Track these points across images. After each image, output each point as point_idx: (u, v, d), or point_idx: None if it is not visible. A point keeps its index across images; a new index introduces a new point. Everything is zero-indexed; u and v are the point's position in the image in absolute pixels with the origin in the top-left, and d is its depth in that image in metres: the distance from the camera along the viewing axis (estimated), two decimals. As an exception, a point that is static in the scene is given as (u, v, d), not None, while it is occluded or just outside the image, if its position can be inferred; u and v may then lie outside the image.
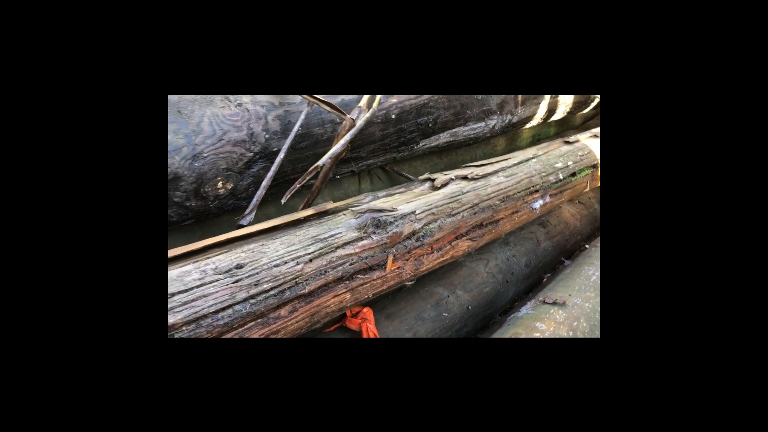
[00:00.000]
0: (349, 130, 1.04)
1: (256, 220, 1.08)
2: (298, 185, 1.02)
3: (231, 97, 1.13)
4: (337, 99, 1.22)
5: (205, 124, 1.08)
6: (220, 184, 1.12)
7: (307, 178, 1.04)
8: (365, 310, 1.30)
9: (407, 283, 1.30)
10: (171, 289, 0.78)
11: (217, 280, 0.82)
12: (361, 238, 1.05)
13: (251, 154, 1.15)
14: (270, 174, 1.10)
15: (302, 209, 1.11)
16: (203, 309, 0.78)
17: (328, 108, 1.10)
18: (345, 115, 1.08)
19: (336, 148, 1.05)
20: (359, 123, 1.04)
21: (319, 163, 1.02)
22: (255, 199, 1.09)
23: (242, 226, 1.07)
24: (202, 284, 0.81)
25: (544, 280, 1.92)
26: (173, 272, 0.81)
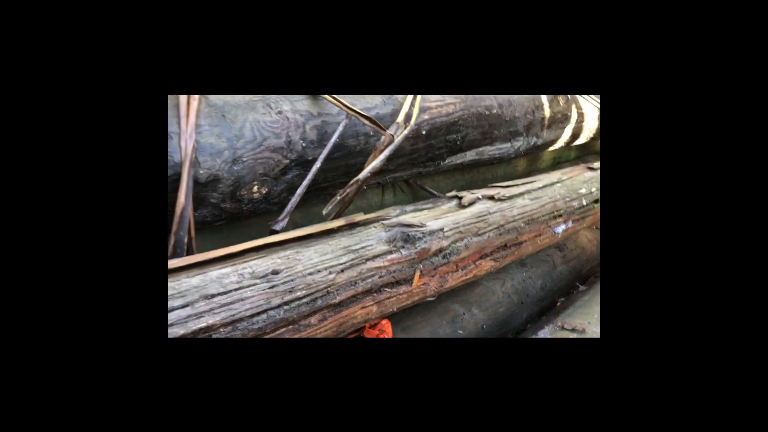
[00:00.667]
0: (387, 146, 1.06)
1: (266, 227, 1.10)
2: (339, 197, 1.05)
3: (272, 104, 1.16)
4: (370, 111, 1.25)
5: (247, 130, 1.11)
6: (255, 189, 1.15)
7: (348, 191, 1.06)
8: (383, 322, 1.32)
9: (428, 299, 1.31)
10: (211, 291, 0.80)
11: (254, 285, 0.84)
12: (391, 252, 1.06)
13: (287, 161, 1.18)
14: (305, 182, 1.12)
15: (333, 219, 1.13)
16: (240, 312, 0.80)
17: (366, 122, 1.12)
18: (384, 130, 1.11)
19: (376, 163, 1.07)
20: (398, 139, 1.06)
21: (360, 177, 1.04)
22: (289, 206, 1.12)
23: (275, 231, 1.09)
24: (240, 287, 0.83)
25: (558, 304, 1.92)
26: (212, 273, 0.83)
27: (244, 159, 1.10)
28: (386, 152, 1.06)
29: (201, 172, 1.07)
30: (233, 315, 0.79)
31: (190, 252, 1.00)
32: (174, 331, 0.74)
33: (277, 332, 0.84)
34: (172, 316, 0.75)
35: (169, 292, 0.79)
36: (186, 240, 1.00)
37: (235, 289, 0.82)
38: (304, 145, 1.20)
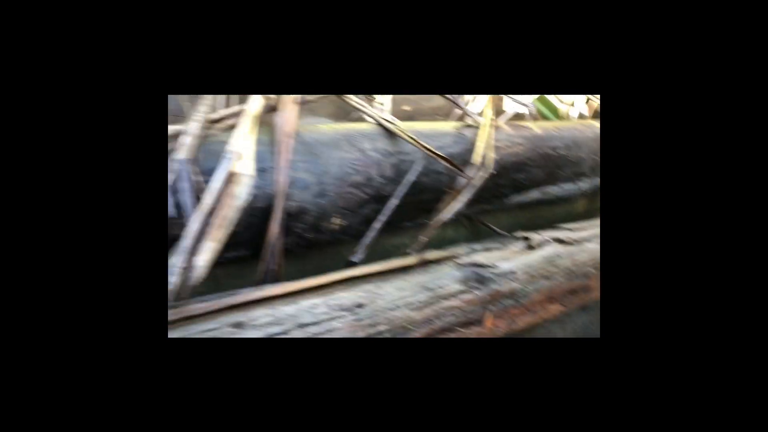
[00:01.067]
0: (467, 188, 1.09)
1: (339, 255, 1.15)
2: (423, 239, 1.09)
3: (355, 142, 1.24)
4: (441, 149, 1.29)
5: (333, 166, 1.18)
6: (335, 221, 1.22)
7: (430, 232, 1.10)
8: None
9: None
10: (304, 320, 0.85)
11: (341, 317, 0.89)
12: (464, 292, 1.08)
13: (365, 196, 1.24)
14: (383, 218, 1.18)
15: (406, 255, 1.17)
16: (329, 343, 0.84)
17: (445, 163, 1.17)
18: (462, 172, 1.15)
19: (457, 205, 1.11)
20: (476, 182, 1.10)
21: (443, 217, 1.08)
22: (367, 239, 1.17)
23: (353, 263, 1.14)
24: (330, 318, 0.87)
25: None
26: (304, 303, 0.89)
27: (329, 193, 1.17)
28: (466, 195, 1.10)
29: (291, 204, 1.15)
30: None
31: (277, 279, 1.07)
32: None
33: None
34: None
35: (268, 319, 0.85)
36: (274, 267, 1.07)
37: (326, 320, 0.87)
38: (380, 181, 1.26)
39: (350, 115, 1.64)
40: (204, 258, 0.81)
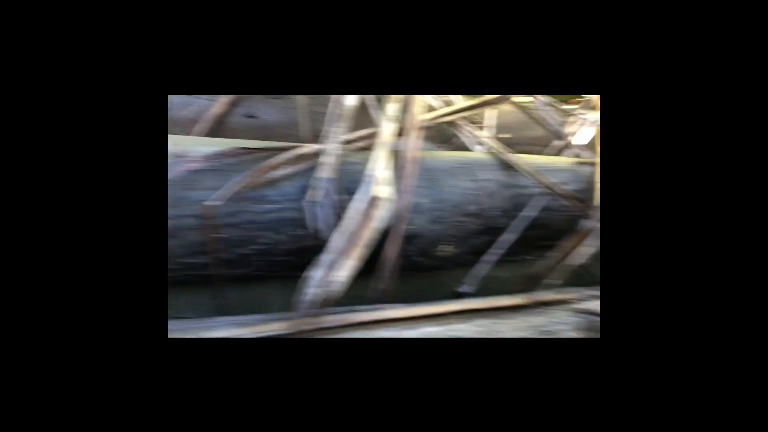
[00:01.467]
0: (593, 231, 1.05)
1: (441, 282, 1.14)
2: (553, 283, 1.06)
3: (471, 172, 1.24)
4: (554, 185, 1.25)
5: (449, 194, 1.20)
6: (445, 248, 1.22)
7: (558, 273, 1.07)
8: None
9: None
10: (426, 348, 0.86)
11: (460, 350, 0.88)
12: (579, 340, 1.03)
13: (476, 226, 1.24)
14: (498, 252, 1.16)
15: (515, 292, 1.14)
16: (448, 375, 0.84)
17: (575, 203, 1.13)
18: (590, 213, 1.11)
19: (583, 250, 1.07)
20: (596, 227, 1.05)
21: (575, 261, 1.05)
22: (478, 271, 1.16)
23: (461, 293, 1.14)
24: None
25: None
26: (424, 329, 0.90)
27: (443, 220, 1.18)
28: (590, 240, 1.06)
29: (408, 227, 1.18)
30: (444, 377, 0.83)
31: (388, 299, 1.09)
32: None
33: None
34: None
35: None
36: (388, 287, 1.10)
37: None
38: (492, 213, 1.25)
39: (451, 140, 1.65)
40: (342, 274, 0.84)
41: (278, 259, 1.12)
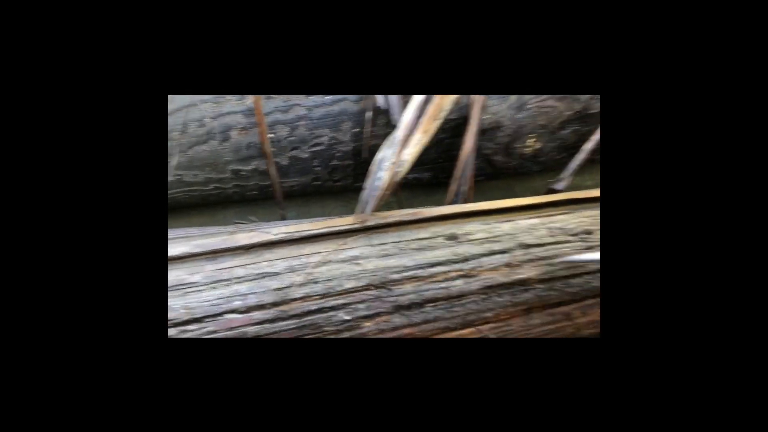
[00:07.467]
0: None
1: (428, 197, 0.95)
2: None
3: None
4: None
5: (535, 73, 0.98)
6: (529, 143, 1.02)
7: None
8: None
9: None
10: (524, 240, 0.70)
11: (567, 242, 0.72)
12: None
13: (570, 112, 1.02)
14: (592, 144, 0.95)
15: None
16: (557, 270, 0.68)
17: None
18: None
19: None
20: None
21: None
22: (574, 164, 0.96)
23: (555, 191, 0.95)
24: (556, 242, 0.71)
25: None
26: (522, 222, 0.74)
27: (529, 106, 0.98)
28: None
29: (486, 117, 0.99)
30: (550, 272, 0.68)
31: (466, 202, 0.94)
32: (491, 277, 0.67)
33: (586, 301, 0.70)
34: (491, 260, 0.68)
35: (483, 234, 0.72)
36: (465, 188, 0.94)
37: (550, 243, 0.71)
38: (588, 96, 1.02)
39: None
40: (410, 152, 0.70)
41: (338, 163, 0.99)
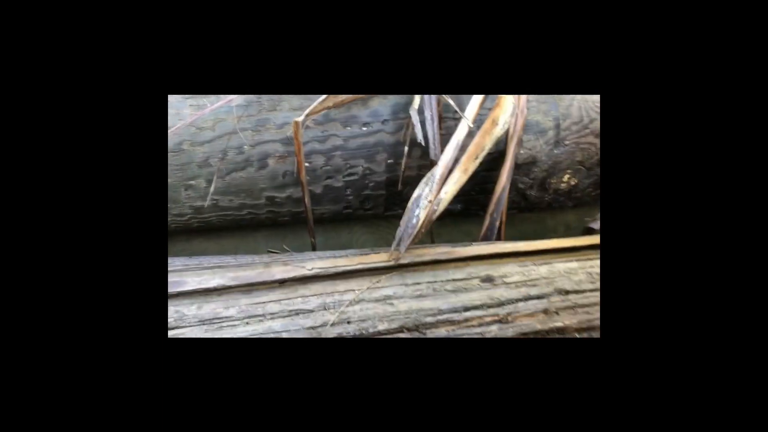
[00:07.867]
0: None
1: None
2: None
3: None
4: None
5: (574, 109, 0.97)
6: (565, 178, 1.00)
7: None
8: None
9: None
10: (561, 285, 0.68)
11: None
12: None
13: (608, 149, 1.00)
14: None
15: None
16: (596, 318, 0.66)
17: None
18: None
19: None
20: None
21: None
22: (612, 203, 0.93)
23: (593, 230, 0.92)
24: (595, 288, 0.69)
25: None
26: (558, 266, 0.71)
27: (567, 142, 0.96)
28: None
29: (522, 152, 0.98)
30: (590, 320, 0.65)
31: (499, 236, 0.92)
32: (527, 323, 0.65)
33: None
34: (528, 305, 0.66)
35: (519, 278, 0.70)
36: (497, 223, 0.92)
37: (590, 290, 0.68)
38: (628, 133, 1.00)
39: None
40: (448, 190, 0.69)
41: (370, 193, 0.99)
